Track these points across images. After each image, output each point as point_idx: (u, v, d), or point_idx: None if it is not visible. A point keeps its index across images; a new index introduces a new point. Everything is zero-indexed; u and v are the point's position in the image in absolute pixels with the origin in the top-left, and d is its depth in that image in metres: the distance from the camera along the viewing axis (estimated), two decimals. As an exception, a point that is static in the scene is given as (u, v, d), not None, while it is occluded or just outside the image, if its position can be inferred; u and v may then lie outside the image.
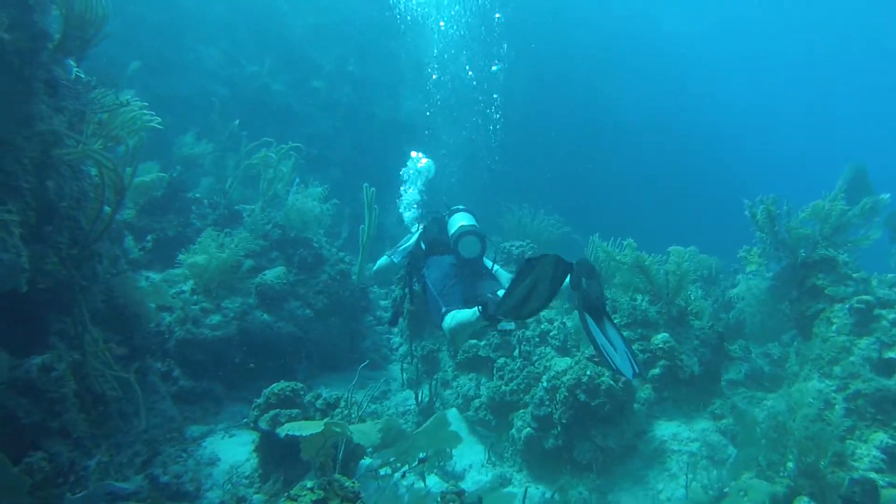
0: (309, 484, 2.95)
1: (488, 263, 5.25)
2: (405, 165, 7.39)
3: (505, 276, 5.21)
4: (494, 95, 15.87)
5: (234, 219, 8.55)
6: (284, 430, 3.56)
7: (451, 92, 15.85)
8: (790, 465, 4.14)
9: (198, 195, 9.06)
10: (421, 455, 3.55)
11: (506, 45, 16.18)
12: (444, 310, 4.53)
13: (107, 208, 4.78)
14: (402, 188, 7.29)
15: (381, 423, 3.96)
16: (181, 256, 6.86)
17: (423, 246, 5.45)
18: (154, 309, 7.14)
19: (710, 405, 5.95)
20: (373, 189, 6.79)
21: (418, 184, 7.26)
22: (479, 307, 3.92)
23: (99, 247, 5.99)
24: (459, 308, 4.43)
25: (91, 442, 4.22)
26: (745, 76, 37.51)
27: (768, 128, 39.70)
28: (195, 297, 7.16)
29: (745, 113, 37.12)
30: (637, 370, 3.40)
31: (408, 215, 6.88)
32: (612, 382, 5.50)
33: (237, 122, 8.76)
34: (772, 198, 6.20)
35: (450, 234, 5.10)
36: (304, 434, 3.38)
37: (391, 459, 3.59)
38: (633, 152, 24.31)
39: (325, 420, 3.76)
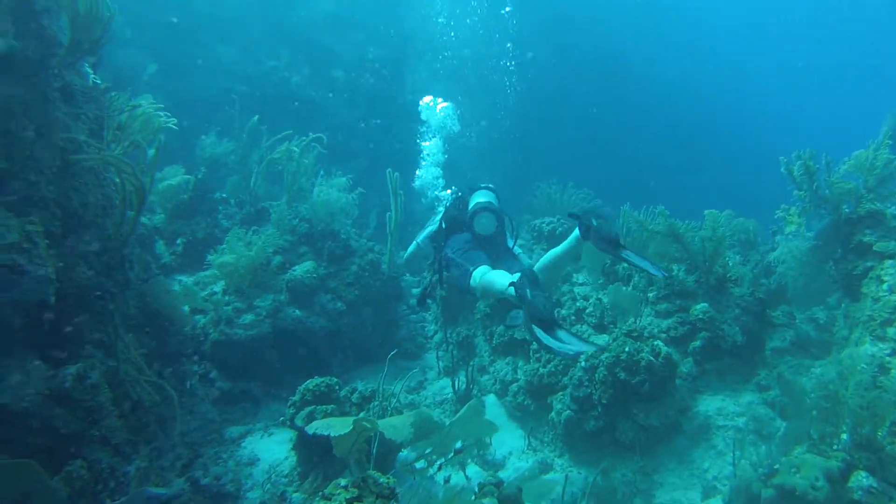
0: (343, 482, 2.89)
1: (510, 243, 5.15)
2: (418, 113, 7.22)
3: (525, 261, 5.14)
4: (508, 44, 15.70)
5: (261, 216, 8.55)
6: (313, 429, 3.50)
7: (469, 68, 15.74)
8: (844, 437, 3.92)
9: (224, 195, 9.08)
10: (457, 446, 3.48)
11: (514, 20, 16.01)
12: (471, 269, 4.42)
13: (130, 213, 4.77)
14: (422, 144, 7.14)
15: (413, 416, 3.88)
16: (210, 257, 6.87)
17: (443, 226, 5.39)
18: (188, 312, 7.24)
19: (755, 376, 5.73)
20: (396, 174, 6.69)
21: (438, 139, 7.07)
22: (513, 284, 3.70)
23: (129, 253, 6.04)
24: (486, 266, 4.37)
25: (130, 448, 4.25)
26: (772, 30, 36.16)
27: (800, 83, 38.33)
28: (227, 297, 7.19)
29: (774, 69, 35.91)
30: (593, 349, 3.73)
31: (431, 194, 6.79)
32: (652, 358, 5.33)
33: (256, 118, 8.72)
34: (809, 152, 5.87)
35: (468, 213, 5.04)
36: (332, 434, 3.32)
37: (427, 452, 3.53)
38: (661, 118, 23.75)
39: (354, 417, 3.69)
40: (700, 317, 5.87)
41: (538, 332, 3.31)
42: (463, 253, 4.71)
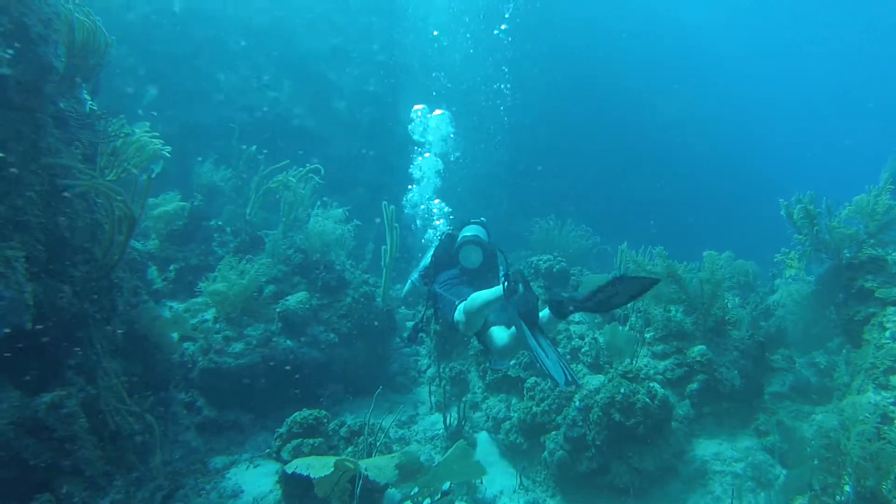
0: (322, 524, 2.76)
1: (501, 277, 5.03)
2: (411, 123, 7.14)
3: None
4: (504, 68, 15.84)
5: (256, 245, 8.46)
6: (292, 468, 3.36)
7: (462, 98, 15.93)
8: (847, 488, 3.79)
9: (220, 223, 9.02)
10: (444, 487, 3.33)
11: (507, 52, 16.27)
12: (456, 302, 4.34)
13: (120, 238, 4.70)
14: (416, 158, 7.04)
15: (398, 457, 3.75)
16: (201, 284, 6.78)
17: (433, 262, 5.23)
18: (176, 339, 7.12)
19: (754, 421, 5.60)
20: (392, 207, 6.63)
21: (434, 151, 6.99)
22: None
23: (117, 278, 5.95)
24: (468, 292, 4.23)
25: (105, 480, 4.10)
26: (773, 68, 36.48)
27: (801, 123, 38.56)
28: (218, 325, 7.08)
29: (775, 107, 36.15)
30: (570, 378, 3.23)
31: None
32: (648, 400, 5.21)
33: (254, 147, 8.70)
34: (809, 195, 5.83)
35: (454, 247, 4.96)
36: (312, 475, 3.18)
37: (413, 493, 3.38)
38: (660, 154, 23.80)
39: (336, 457, 3.55)
40: (698, 359, 5.76)
41: (525, 328, 3.32)
42: (450, 287, 4.64)
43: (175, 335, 7.27)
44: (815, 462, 3.96)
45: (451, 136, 7.51)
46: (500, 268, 5.11)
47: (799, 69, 37.57)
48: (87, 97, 5.34)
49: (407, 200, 7.14)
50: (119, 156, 5.01)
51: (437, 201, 7.31)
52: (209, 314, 7.24)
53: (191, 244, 8.54)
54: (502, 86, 16.78)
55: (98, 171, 4.99)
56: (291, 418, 5.73)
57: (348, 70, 15.80)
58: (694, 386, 5.71)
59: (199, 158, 9.41)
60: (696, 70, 28.25)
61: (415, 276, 5.49)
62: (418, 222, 6.98)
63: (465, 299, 4.21)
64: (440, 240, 5.32)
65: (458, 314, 4.22)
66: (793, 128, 37.71)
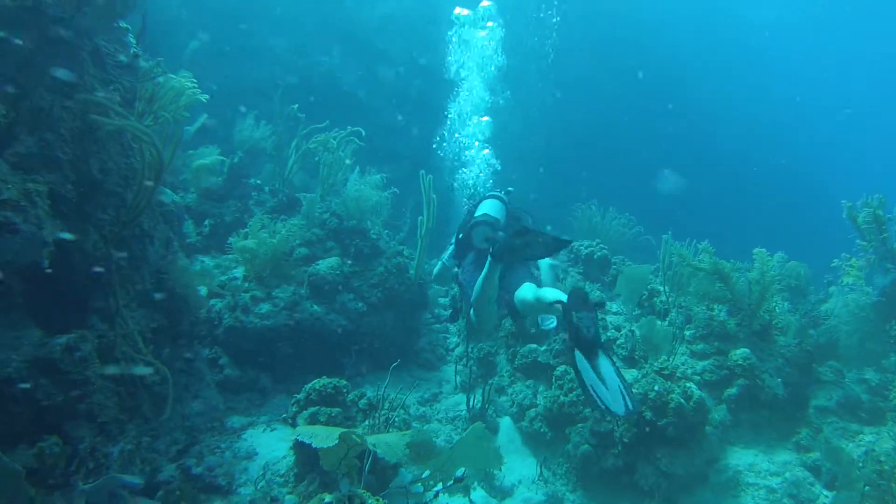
0: (328, 498, 2.59)
1: None
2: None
3: (545, 264, 4.75)
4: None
5: (293, 206, 8.36)
6: (297, 435, 3.21)
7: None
8: (899, 518, 3.49)
9: (259, 182, 8.93)
10: (458, 473, 3.15)
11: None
12: (472, 299, 4.22)
13: (148, 184, 4.59)
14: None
15: (409, 436, 3.57)
16: (231, 239, 6.68)
17: (456, 244, 5.04)
18: (204, 294, 7.07)
19: (795, 434, 5.27)
20: (430, 177, 6.40)
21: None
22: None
23: (150, 228, 5.88)
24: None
25: (117, 428, 4.03)
26: (841, 67, 34.86)
27: (869, 124, 36.82)
28: (247, 284, 7.00)
29: (840, 106, 34.64)
30: (631, 407, 3.08)
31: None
32: (682, 401, 4.93)
33: (296, 106, 8.53)
34: (878, 199, 5.41)
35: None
36: (315, 444, 3.03)
37: (425, 476, 3.21)
38: (711, 150, 23.01)
39: (342, 429, 3.38)
40: (739, 363, 5.44)
41: (579, 357, 3.14)
42: (470, 274, 4.47)
43: (203, 290, 7.27)
44: (867, 489, 3.65)
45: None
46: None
47: (862, 73, 35.81)
48: (133, 40, 5.23)
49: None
50: (156, 101, 4.87)
51: (485, 152, 7.03)
52: (239, 272, 7.16)
53: (228, 201, 8.48)
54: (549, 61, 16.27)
55: (136, 115, 4.89)
56: (310, 385, 5.62)
57: (398, 41, 15.52)
58: (733, 391, 5.39)
59: (242, 111, 9.29)
60: (755, 67, 27.19)
61: (444, 256, 5.26)
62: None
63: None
64: (464, 217, 5.08)
65: (472, 314, 4.12)
66: (854, 133, 36.13)
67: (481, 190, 6.40)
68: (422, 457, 3.57)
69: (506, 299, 4.18)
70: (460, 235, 4.85)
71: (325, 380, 5.66)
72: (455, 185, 6.87)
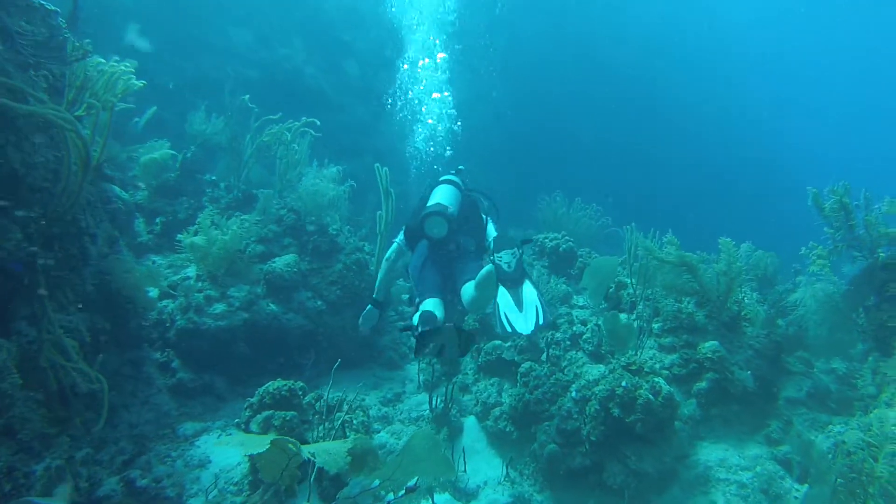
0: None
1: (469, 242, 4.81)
2: None
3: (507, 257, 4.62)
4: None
5: (249, 202, 8.03)
6: (219, 444, 2.95)
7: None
8: (874, 514, 3.34)
9: (214, 177, 8.58)
10: (410, 483, 2.92)
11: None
12: (417, 300, 4.44)
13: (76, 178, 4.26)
14: None
15: (352, 443, 3.32)
16: (180, 236, 6.35)
17: (405, 232, 5.06)
18: (155, 296, 6.73)
19: (765, 427, 5.13)
20: (385, 169, 6.14)
21: None
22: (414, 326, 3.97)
23: (91, 225, 5.53)
24: (432, 296, 4.36)
25: (42, 443, 3.72)
26: (802, 59, 35.27)
27: (832, 114, 37.39)
28: (200, 283, 6.68)
29: (804, 97, 35.13)
30: (542, 322, 3.89)
31: None
32: (650, 396, 4.76)
33: (247, 96, 8.18)
34: (843, 186, 5.28)
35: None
36: (245, 452, 2.77)
37: (374, 486, 2.98)
38: (682, 140, 23.13)
39: (273, 436, 3.13)
40: (709, 356, 5.28)
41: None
42: (419, 272, 4.63)
43: (154, 292, 6.92)
44: (839, 481, 3.50)
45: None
46: (490, 225, 5.08)
47: (830, 66, 36.36)
48: (62, 22, 4.88)
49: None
50: (87, 89, 4.54)
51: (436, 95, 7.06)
52: (192, 271, 6.85)
53: (181, 197, 8.11)
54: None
55: (65, 104, 4.56)
56: (264, 388, 5.33)
57: (362, 33, 15.19)
58: (702, 385, 5.24)
59: (192, 112, 8.90)
60: (718, 59, 27.43)
61: (399, 238, 5.06)
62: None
63: (425, 299, 4.31)
64: (416, 203, 5.03)
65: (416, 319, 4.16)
66: (821, 125, 36.70)
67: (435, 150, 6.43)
68: (365, 464, 3.33)
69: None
70: (411, 224, 4.85)
71: (279, 382, 5.38)
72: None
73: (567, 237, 7.62)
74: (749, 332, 5.62)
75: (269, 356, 6.70)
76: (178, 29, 12.23)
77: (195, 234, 6.28)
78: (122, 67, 4.57)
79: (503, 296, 4.19)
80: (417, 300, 4.42)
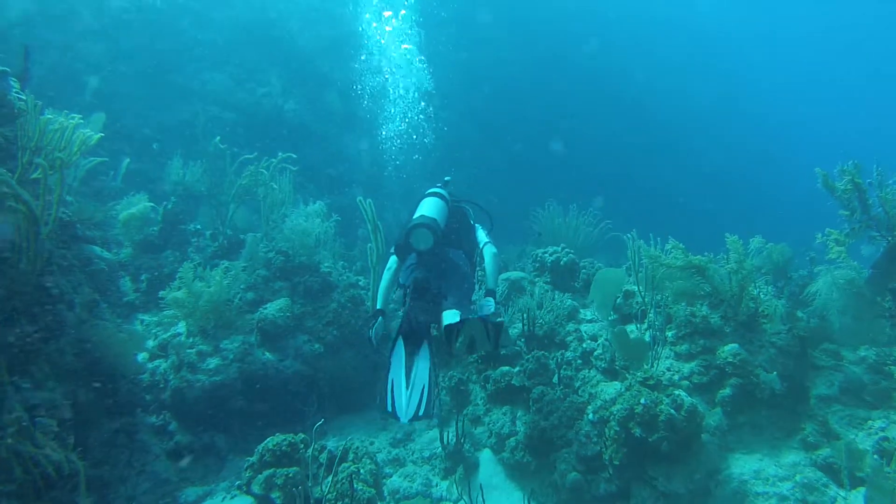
0: None
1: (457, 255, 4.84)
2: None
3: (488, 257, 4.85)
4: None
5: (236, 248, 7.77)
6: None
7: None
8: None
9: (198, 226, 8.33)
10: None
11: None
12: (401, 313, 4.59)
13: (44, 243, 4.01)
14: None
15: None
16: (162, 293, 6.08)
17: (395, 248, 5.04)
18: (140, 358, 6.46)
19: (800, 431, 4.76)
20: (369, 201, 5.88)
21: None
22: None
23: (66, 292, 5.29)
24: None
25: (16, 540, 3.41)
26: (791, 50, 35.18)
27: (822, 106, 37.17)
28: (191, 339, 6.39)
29: (793, 90, 34.99)
30: (423, 412, 3.84)
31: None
32: (672, 411, 4.43)
33: (217, 138, 7.94)
34: (853, 164, 4.96)
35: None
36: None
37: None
38: (671, 135, 22.88)
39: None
40: (730, 360, 4.93)
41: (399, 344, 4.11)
42: (405, 297, 4.57)
43: (144, 354, 6.64)
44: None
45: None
46: (479, 231, 5.15)
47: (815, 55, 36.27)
48: (14, 83, 4.67)
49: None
50: (42, 149, 4.30)
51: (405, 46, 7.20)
52: (182, 327, 6.56)
53: (166, 251, 7.86)
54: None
55: (20, 167, 4.32)
56: (263, 445, 5.01)
57: (343, 63, 15.05)
58: (726, 392, 4.88)
59: (169, 161, 8.65)
60: (708, 54, 27.36)
61: (389, 264, 4.98)
62: None
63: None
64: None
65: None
66: (814, 112, 36.48)
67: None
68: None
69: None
70: (400, 241, 4.80)
71: (278, 437, 5.06)
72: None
73: (567, 249, 7.28)
74: (769, 329, 5.27)
75: (269, 407, 6.39)
76: (152, 80, 12.08)
77: (178, 289, 6.00)
78: (72, 122, 4.32)
79: (397, 357, 4.18)
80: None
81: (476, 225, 5.23)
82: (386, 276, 4.95)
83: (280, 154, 7.38)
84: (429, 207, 4.77)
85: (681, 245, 5.35)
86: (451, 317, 4.12)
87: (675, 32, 25.67)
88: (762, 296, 5.49)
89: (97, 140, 4.60)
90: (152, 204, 7.71)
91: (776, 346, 5.13)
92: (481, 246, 4.99)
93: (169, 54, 12.55)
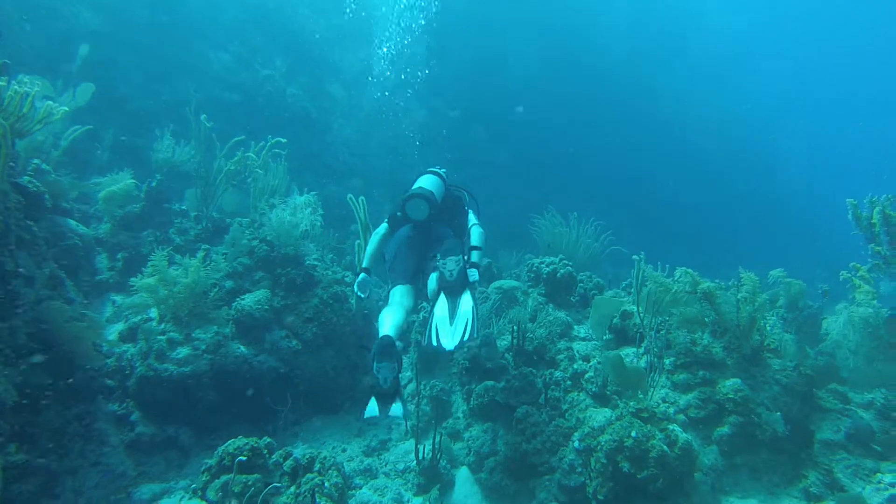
0: None
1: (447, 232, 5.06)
2: None
3: (476, 234, 4.97)
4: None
5: (220, 233, 7.40)
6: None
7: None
8: None
9: (183, 207, 7.96)
10: None
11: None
12: (389, 287, 4.82)
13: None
14: None
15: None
16: (132, 280, 5.72)
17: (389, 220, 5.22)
18: (108, 340, 6.13)
19: (802, 478, 4.41)
20: (362, 198, 5.54)
21: None
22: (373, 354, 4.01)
23: (24, 267, 4.94)
24: (402, 283, 4.76)
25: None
26: (804, 66, 34.53)
27: (839, 123, 36.52)
28: (162, 325, 6.03)
29: (809, 108, 34.47)
30: (467, 338, 4.04)
31: None
32: (665, 448, 4.08)
33: (204, 116, 7.56)
34: (887, 197, 4.62)
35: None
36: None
37: None
38: (686, 150, 22.47)
39: None
40: (730, 396, 4.57)
41: (370, 404, 4.02)
42: (394, 258, 4.86)
43: (113, 335, 6.31)
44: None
45: None
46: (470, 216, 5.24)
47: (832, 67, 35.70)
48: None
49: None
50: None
51: None
52: (154, 312, 6.20)
53: (147, 230, 7.50)
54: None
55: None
56: (223, 447, 4.67)
57: (350, 52, 14.72)
58: (724, 430, 4.52)
59: (157, 139, 8.27)
60: (721, 68, 26.95)
61: (379, 229, 5.13)
62: None
63: (395, 286, 4.75)
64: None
65: (383, 311, 4.47)
66: (830, 130, 35.91)
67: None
68: None
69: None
70: (398, 213, 4.94)
71: (241, 440, 4.72)
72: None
73: (565, 261, 6.91)
74: (774, 365, 4.91)
75: (240, 403, 6.04)
76: (154, 53, 11.71)
77: (150, 276, 5.65)
78: (33, 90, 3.96)
79: (441, 305, 4.26)
80: (389, 286, 4.79)
81: (468, 210, 5.35)
82: (374, 239, 5.07)
83: (270, 139, 7.02)
84: (427, 182, 5.00)
85: (691, 271, 5.00)
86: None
87: (692, 37, 25.25)
88: (768, 328, 5.13)
89: (63, 114, 4.23)
90: (136, 182, 7.34)
91: (781, 384, 4.76)
92: (469, 226, 5.10)
93: (171, 28, 12.17)
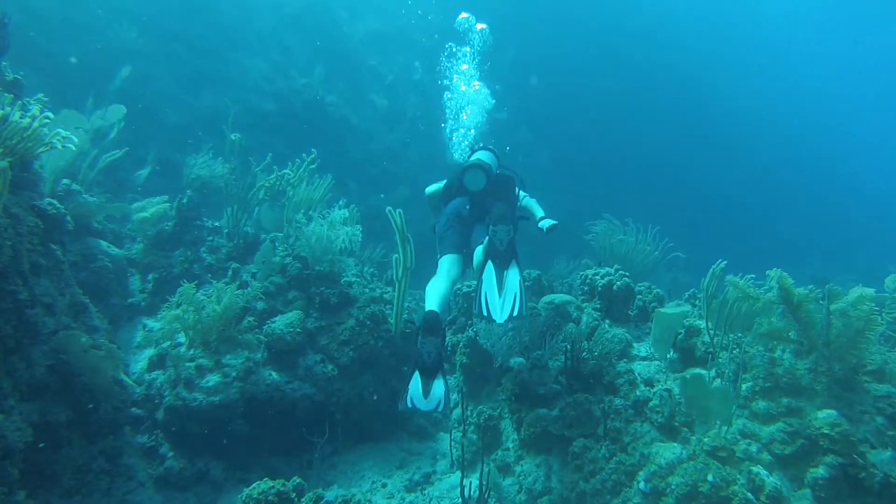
0: None
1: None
2: None
3: (537, 209, 5.36)
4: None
5: (253, 250, 7.07)
6: None
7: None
8: None
9: (217, 223, 7.68)
10: None
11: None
12: (438, 256, 4.81)
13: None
14: None
15: None
16: (160, 313, 5.44)
17: (444, 189, 5.42)
18: (138, 368, 5.86)
19: (919, 534, 3.71)
20: (399, 211, 5.07)
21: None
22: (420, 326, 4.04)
23: (42, 293, 4.66)
24: (451, 252, 4.75)
25: None
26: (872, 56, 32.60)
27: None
28: (192, 351, 5.71)
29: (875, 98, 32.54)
30: (517, 313, 4.05)
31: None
32: (749, 495, 3.46)
33: (235, 134, 7.26)
34: None
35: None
36: None
37: None
38: (739, 149, 21.35)
39: None
40: (825, 431, 3.89)
41: (413, 382, 4.02)
42: (444, 229, 4.88)
43: (142, 363, 6.03)
44: None
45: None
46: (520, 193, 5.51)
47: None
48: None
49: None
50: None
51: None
52: (183, 336, 5.89)
53: (179, 248, 7.24)
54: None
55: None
56: (247, 491, 4.26)
57: (392, 57, 14.37)
58: (819, 471, 3.83)
59: (193, 155, 8.06)
60: (780, 63, 25.61)
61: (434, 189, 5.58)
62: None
63: (444, 255, 4.73)
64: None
65: (431, 282, 4.49)
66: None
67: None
68: None
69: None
70: (454, 182, 5.12)
71: (266, 483, 4.30)
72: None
73: (622, 272, 6.27)
74: (875, 391, 4.20)
75: (274, 434, 5.68)
76: (190, 65, 11.60)
77: (177, 305, 5.35)
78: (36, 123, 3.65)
79: (489, 274, 4.26)
80: (438, 256, 4.79)
81: (519, 191, 5.49)
82: (432, 190, 5.60)
83: (306, 156, 6.70)
84: (485, 156, 5.31)
85: (785, 274, 4.36)
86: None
87: (746, 34, 24.07)
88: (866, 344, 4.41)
89: (63, 140, 3.94)
90: (167, 205, 7.13)
91: (885, 414, 4.06)
92: (521, 199, 5.42)
93: (205, 39, 12.04)
